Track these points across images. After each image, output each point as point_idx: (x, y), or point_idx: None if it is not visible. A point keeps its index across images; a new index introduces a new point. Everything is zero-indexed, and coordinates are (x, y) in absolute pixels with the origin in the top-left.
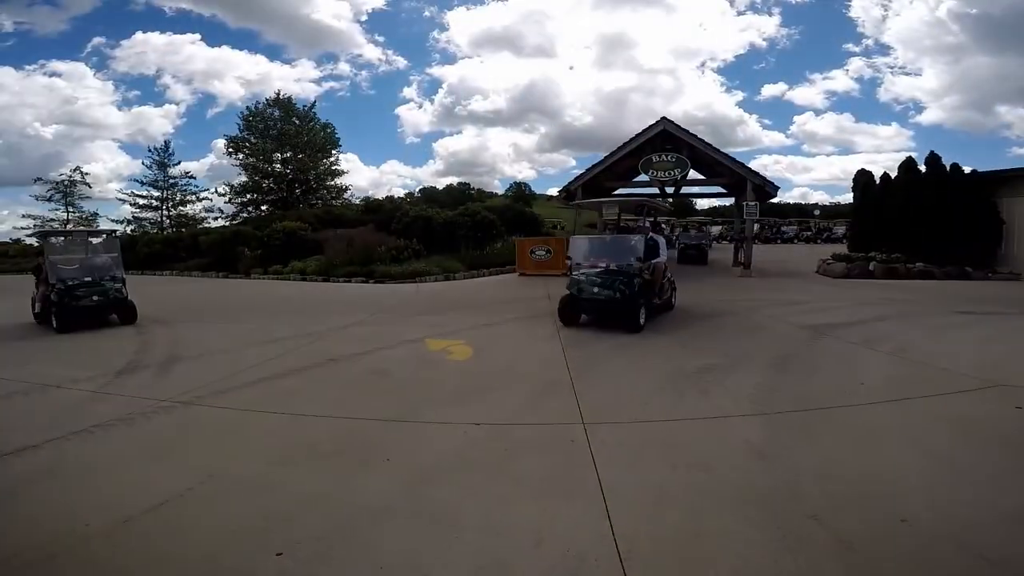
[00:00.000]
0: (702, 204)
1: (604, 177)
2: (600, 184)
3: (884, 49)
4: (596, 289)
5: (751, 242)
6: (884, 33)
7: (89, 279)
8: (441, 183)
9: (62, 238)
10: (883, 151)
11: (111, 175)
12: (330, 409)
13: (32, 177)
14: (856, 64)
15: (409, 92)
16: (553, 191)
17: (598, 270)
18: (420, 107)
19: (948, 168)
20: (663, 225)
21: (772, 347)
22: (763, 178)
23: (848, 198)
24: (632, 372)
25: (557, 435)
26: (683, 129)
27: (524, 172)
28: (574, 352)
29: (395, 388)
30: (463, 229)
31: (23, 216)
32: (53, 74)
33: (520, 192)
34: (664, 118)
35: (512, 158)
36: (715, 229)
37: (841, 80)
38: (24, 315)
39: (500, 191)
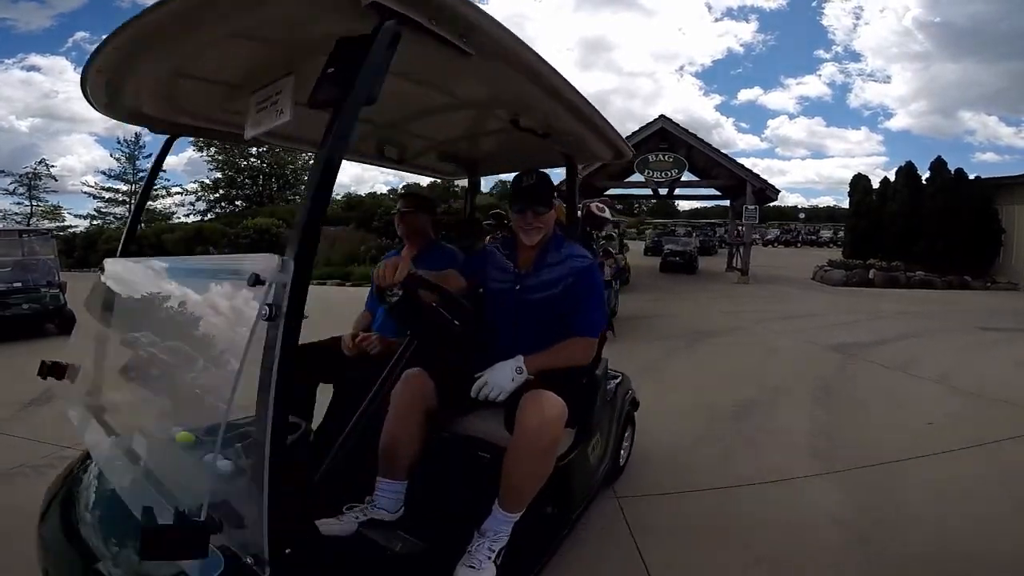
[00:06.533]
0: (683, 206)
1: (596, 176)
2: (592, 184)
3: (855, 56)
4: None
5: (749, 247)
6: (855, 41)
7: (20, 284)
8: (425, 180)
9: None
10: (855, 155)
11: (87, 169)
12: None
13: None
14: (828, 70)
15: None
16: None
17: None
18: None
19: (953, 173)
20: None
21: (805, 375)
22: (764, 181)
23: (824, 201)
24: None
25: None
26: (682, 128)
27: None
28: None
29: None
30: (446, 228)
31: None
32: (32, 68)
33: (506, 191)
34: (662, 116)
35: None
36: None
37: (814, 85)
38: None
39: (486, 190)
